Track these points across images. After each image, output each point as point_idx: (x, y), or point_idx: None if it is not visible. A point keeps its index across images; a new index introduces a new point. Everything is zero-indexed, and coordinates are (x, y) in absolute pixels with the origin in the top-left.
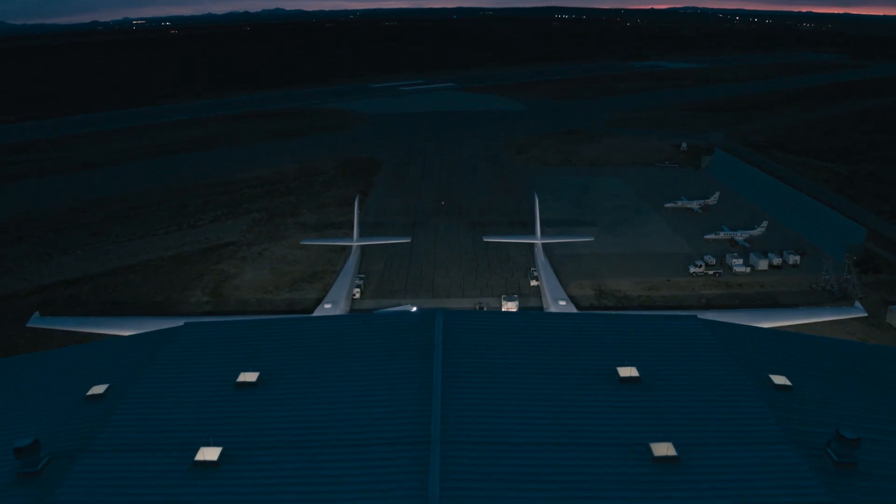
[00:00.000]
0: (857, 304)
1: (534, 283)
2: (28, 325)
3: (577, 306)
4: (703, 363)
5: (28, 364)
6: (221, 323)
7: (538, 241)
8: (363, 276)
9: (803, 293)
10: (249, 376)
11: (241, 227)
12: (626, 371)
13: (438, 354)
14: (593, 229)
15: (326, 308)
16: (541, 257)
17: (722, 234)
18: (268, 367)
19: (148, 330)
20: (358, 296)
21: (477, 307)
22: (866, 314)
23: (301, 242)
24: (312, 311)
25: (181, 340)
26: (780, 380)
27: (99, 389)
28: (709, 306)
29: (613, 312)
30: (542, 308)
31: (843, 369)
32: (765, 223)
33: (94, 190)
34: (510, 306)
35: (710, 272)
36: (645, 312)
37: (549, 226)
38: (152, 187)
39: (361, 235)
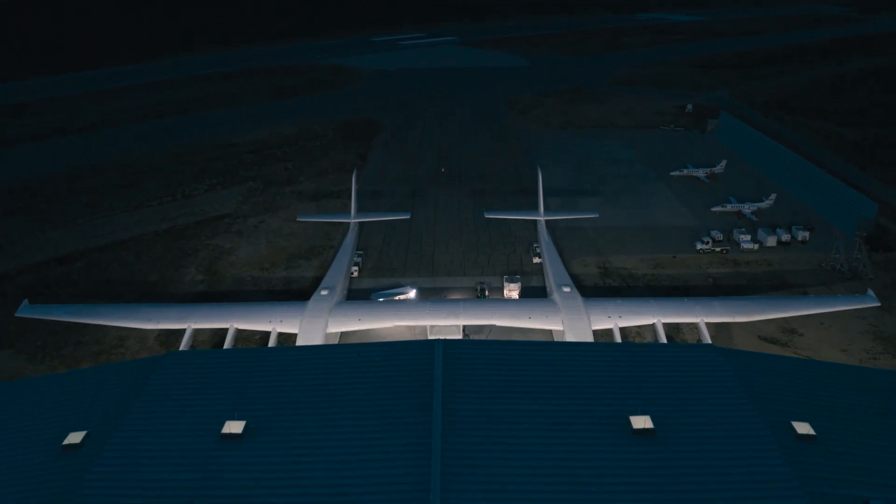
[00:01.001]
0: (870, 291)
1: (536, 260)
2: (17, 314)
3: (581, 287)
4: (721, 410)
5: (2, 399)
6: (206, 354)
7: (541, 217)
8: (361, 252)
9: (812, 272)
10: (235, 426)
11: (237, 197)
12: (640, 422)
13: (438, 405)
14: (597, 200)
15: (323, 294)
16: (544, 236)
17: (729, 207)
18: (255, 413)
19: (138, 319)
20: (356, 274)
21: (478, 288)
22: (879, 304)
23: (298, 219)
24: (309, 294)
25: (163, 378)
26: (803, 428)
27: (76, 438)
28: (716, 286)
29: (626, 343)
30: (545, 291)
31: (872, 408)
32: (773, 196)
33: (90, 155)
34: (512, 289)
35: (718, 249)
36: (659, 343)
37: (552, 195)
38: (148, 152)
39: (360, 210)
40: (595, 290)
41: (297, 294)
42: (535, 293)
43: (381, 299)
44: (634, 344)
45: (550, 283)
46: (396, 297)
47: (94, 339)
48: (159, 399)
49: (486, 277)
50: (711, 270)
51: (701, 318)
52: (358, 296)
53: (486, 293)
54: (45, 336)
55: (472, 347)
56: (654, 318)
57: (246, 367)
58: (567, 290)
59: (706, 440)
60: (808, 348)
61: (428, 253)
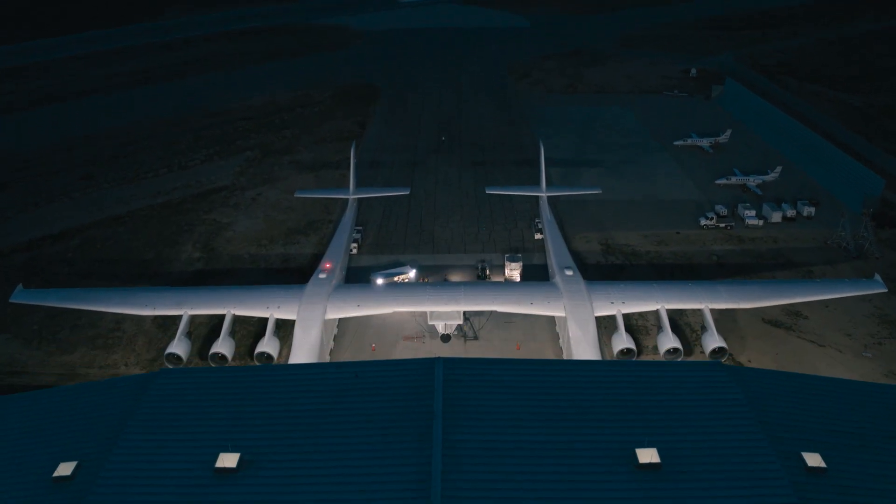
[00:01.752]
0: (877, 276)
1: (538, 235)
2: (11, 300)
3: (583, 265)
4: (731, 441)
5: None
6: (197, 374)
7: (543, 193)
8: (360, 228)
9: (818, 250)
10: (229, 460)
11: (234, 168)
12: (646, 455)
13: (438, 436)
14: (598, 171)
15: (321, 278)
16: (546, 213)
17: (734, 179)
18: (248, 443)
19: (135, 305)
20: (355, 251)
21: (479, 267)
22: (886, 290)
23: (296, 195)
24: (307, 273)
25: (153, 402)
26: (813, 460)
27: (66, 469)
28: (720, 265)
29: (632, 363)
30: (546, 270)
31: (881, 431)
32: (778, 168)
33: (84, 124)
34: (514, 268)
35: (722, 225)
36: (667, 362)
37: (553, 166)
38: (143, 119)
39: (358, 186)
40: (597, 269)
41: (295, 273)
42: (536, 272)
43: (379, 280)
44: (641, 363)
45: (553, 265)
46: (396, 278)
47: (91, 323)
48: (150, 428)
49: (487, 255)
50: (716, 248)
51: (705, 304)
52: (357, 274)
53: (488, 272)
54: (41, 319)
55: (473, 368)
56: (657, 303)
57: (239, 390)
58: (569, 273)
59: (714, 475)
60: (812, 332)
61: (428, 228)
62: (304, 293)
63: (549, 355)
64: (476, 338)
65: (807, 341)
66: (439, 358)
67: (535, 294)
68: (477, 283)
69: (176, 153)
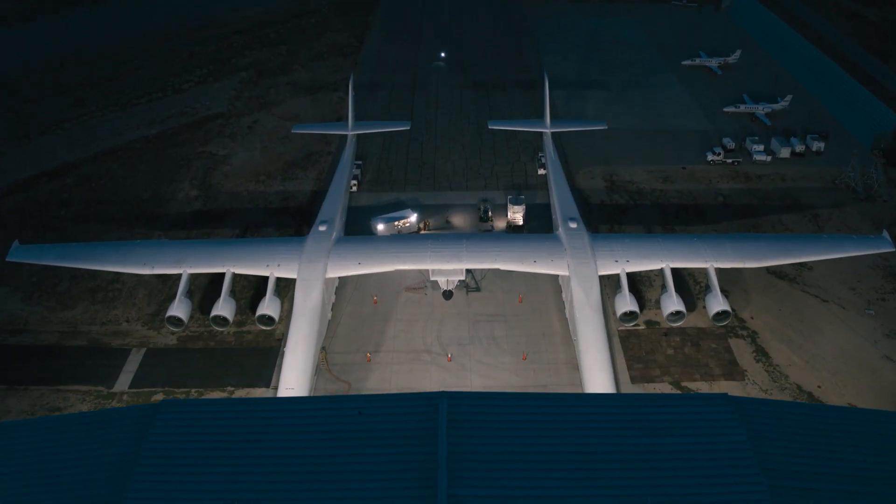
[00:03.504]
0: (885, 233)
1: (541, 171)
2: (8, 258)
3: (587, 205)
4: (732, 491)
5: None
6: (199, 410)
7: (547, 129)
8: (360, 162)
9: (826, 190)
10: None
11: (230, 91)
12: None
13: (443, 491)
14: (604, 94)
15: (321, 231)
16: (550, 152)
17: (742, 108)
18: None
19: (133, 264)
20: (355, 189)
21: (482, 208)
22: (893, 248)
23: (293, 130)
24: (307, 214)
25: (156, 445)
26: None
27: None
28: (726, 205)
29: (640, 396)
30: (549, 210)
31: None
32: (789, 97)
33: (74, 40)
34: (517, 210)
35: (729, 160)
36: (672, 395)
37: (557, 88)
38: (134, 33)
39: (357, 119)
40: (601, 210)
41: (294, 214)
42: (539, 212)
43: (380, 226)
44: (647, 398)
45: (557, 215)
46: (397, 223)
47: (90, 275)
48: (153, 482)
49: (489, 192)
50: (722, 186)
51: (710, 262)
52: (357, 214)
53: (490, 214)
54: (39, 270)
55: (477, 406)
56: (661, 262)
57: (241, 430)
58: (573, 225)
59: None
60: (816, 285)
61: (429, 161)
62: (304, 250)
63: (552, 309)
64: (478, 289)
65: (810, 296)
66: (444, 394)
67: (538, 249)
68: (479, 236)
69: (169, 74)
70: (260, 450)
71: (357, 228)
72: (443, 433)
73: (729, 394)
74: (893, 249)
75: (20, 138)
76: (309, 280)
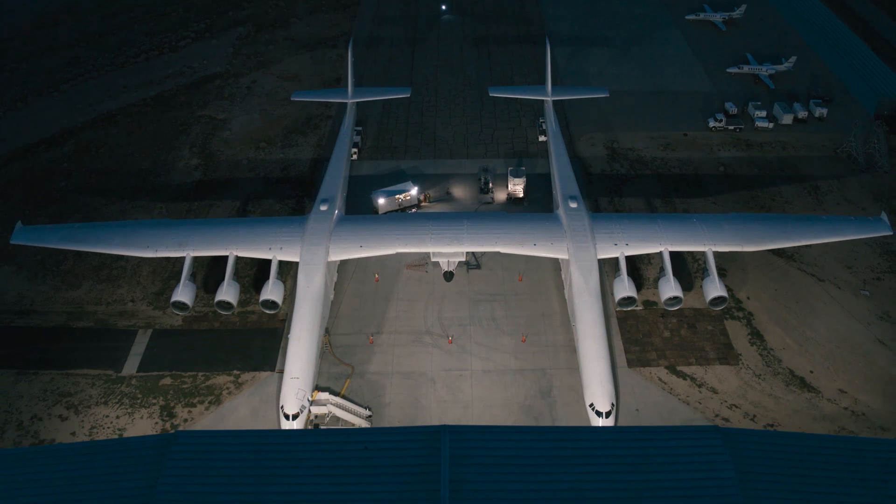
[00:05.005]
0: (883, 215)
1: (542, 138)
2: (12, 241)
3: (588, 175)
4: None
5: None
6: (211, 442)
7: (548, 97)
8: (360, 128)
9: (827, 160)
10: None
11: (227, 48)
12: None
13: None
14: (606, 51)
15: (322, 210)
16: (552, 122)
17: (746, 69)
18: None
19: (137, 246)
20: (355, 157)
21: (482, 179)
22: (891, 232)
23: (292, 98)
24: (307, 183)
25: (172, 479)
26: None
27: None
28: (726, 175)
29: (633, 430)
30: (549, 180)
31: None
32: (793, 58)
33: None
34: (517, 183)
35: (731, 127)
36: (664, 428)
37: (559, 45)
38: None
39: (357, 85)
40: (602, 180)
41: (295, 184)
42: (539, 182)
43: (381, 200)
44: (640, 431)
45: (557, 192)
46: (397, 197)
47: (94, 253)
48: None
49: (489, 161)
50: (722, 154)
51: (708, 246)
52: (359, 185)
53: (490, 185)
54: (43, 248)
55: (477, 440)
56: (660, 245)
57: (251, 463)
58: (574, 205)
59: None
60: (812, 263)
61: (429, 126)
62: (306, 232)
63: (551, 288)
64: (478, 266)
65: (807, 274)
66: (445, 428)
67: (538, 232)
68: (479, 217)
69: (165, 29)
70: (270, 485)
71: (358, 201)
72: (445, 468)
73: (719, 426)
74: (891, 233)
75: (16, 101)
76: (311, 265)
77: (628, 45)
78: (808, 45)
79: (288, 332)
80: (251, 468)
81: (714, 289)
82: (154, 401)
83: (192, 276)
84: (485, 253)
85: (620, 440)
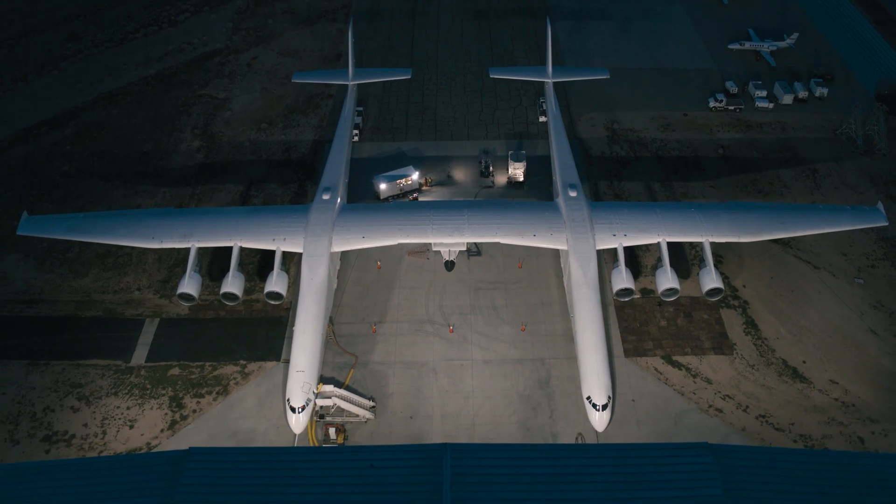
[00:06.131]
0: (879, 205)
1: (542, 118)
2: (18, 232)
3: (588, 158)
4: None
5: None
6: (224, 458)
7: (549, 79)
8: (361, 108)
9: (826, 142)
10: None
11: (227, 22)
12: None
13: None
14: (607, 25)
15: (325, 199)
16: (552, 105)
17: (747, 45)
18: None
19: (142, 237)
20: (357, 139)
21: (483, 163)
22: (887, 223)
23: (293, 80)
24: (309, 166)
25: (186, 501)
26: None
27: None
28: (725, 158)
29: (626, 447)
30: (549, 163)
31: None
32: (795, 35)
33: None
34: (517, 167)
35: (731, 108)
36: (655, 445)
37: (559, 19)
38: None
39: (358, 64)
40: (602, 163)
41: (297, 168)
42: (540, 165)
43: (382, 185)
44: (634, 449)
45: (557, 180)
46: (399, 182)
47: None
48: None
49: (490, 142)
50: (722, 136)
51: (706, 236)
52: (360, 167)
53: (491, 169)
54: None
55: (477, 457)
56: (658, 236)
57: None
58: (573, 194)
59: None
60: (808, 249)
61: (430, 105)
62: (309, 223)
63: (550, 276)
64: (479, 253)
65: (802, 261)
66: (447, 446)
67: (538, 222)
68: (479, 206)
69: (164, 1)
70: (281, 502)
71: (360, 185)
72: (447, 486)
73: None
74: (887, 224)
75: (16, 80)
76: (314, 256)
77: (630, 18)
78: (812, 19)
79: (292, 324)
80: (263, 485)
81: (710, 280)
82: (163, 391)
83: (198, 267)
84: None
85: (614, 458)
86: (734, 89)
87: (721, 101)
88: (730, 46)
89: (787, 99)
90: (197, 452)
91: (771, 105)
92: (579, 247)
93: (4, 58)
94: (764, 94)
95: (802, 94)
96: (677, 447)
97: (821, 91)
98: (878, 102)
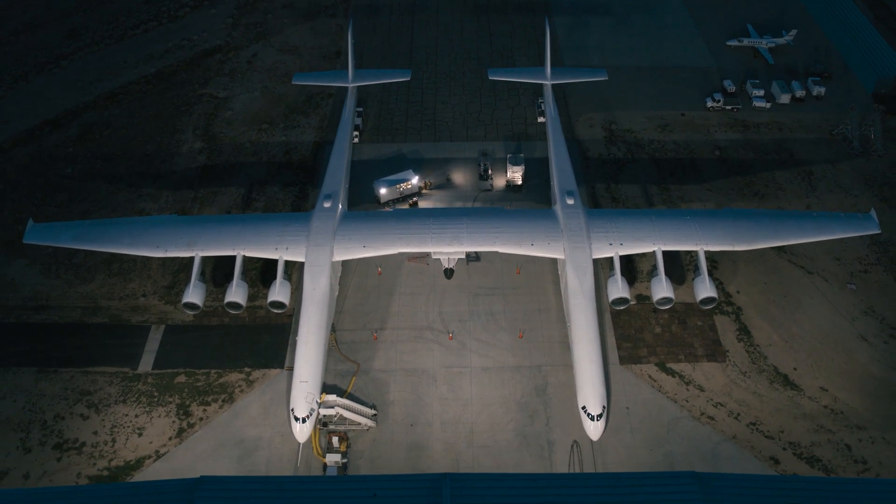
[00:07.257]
0: (872, 211)
1: (541, 119)
2: (25, 241)
3: (586, 158)
4: None
5: None
6: (234, 488)
7: (548, 81)
8: (361, 109)
9: (822, 143)
10: None
11: (226, 17)
12: None
13: None
14: (607, 20)
15: (326, 207)
16: (551, 109)
17: (746, 41)
18: None
19: (146, 246)
20: (357, 140)
21: (482, 165)
22: (879, 231)
23: (293, 82)
24: (310, 168)
25: None
26: None
27: None
28: (722, 159)
29: (616, 477)
30: (547, 165)
31: None
32: (794, 31)
33: None
34: (515, 171)
35: (728, 107)
36: (644, 474)
37: (559, 14)
38: None
39: (357, 68)
40: (599, 165)
41: (298, 170)
42: (538, 167)
43: (383, 189)
44: (624, 478)
45: (555, 186)
46: (399, 186)
47: None
48: None
49: (489, 144)
50: (719, 136)
51: (701, 245)
52: (360, 170)
53: (490, 171)
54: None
55: (476, 487)
56: (654, 245)
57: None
58: (571, 202)
59: None
60: (802, 254)
61: (429, 105)
62: (311, 231)
63: (548, 281)
64: (478, 259)
65: (796, 266)
66: (447, 476)
67: (535, 232)
68: (478, 214)
69: None
70: None
71: (361, 188)
72: None
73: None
74: (879, 231)
75: (17, 79)
76: (316, 266)
77: (629, 14)
78: (811, 14)
79: (295, 332)
80: None
81: (704, 289)
82: (170, 399)
83: (202, 276)
84: None
85: (607, 487)
86: (732, 88)
87: (718, 100)
88: (728, 43)
89: (785, 98)
90: (208, 481)
91: (768, 105)
92: (576, 256)
93: (5, 54)
94: (761, 93)
95: (800, 93)
96: (667, 476)
97: (818, 90)
98: (876, 104)
